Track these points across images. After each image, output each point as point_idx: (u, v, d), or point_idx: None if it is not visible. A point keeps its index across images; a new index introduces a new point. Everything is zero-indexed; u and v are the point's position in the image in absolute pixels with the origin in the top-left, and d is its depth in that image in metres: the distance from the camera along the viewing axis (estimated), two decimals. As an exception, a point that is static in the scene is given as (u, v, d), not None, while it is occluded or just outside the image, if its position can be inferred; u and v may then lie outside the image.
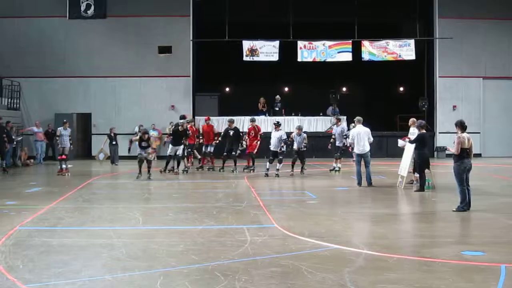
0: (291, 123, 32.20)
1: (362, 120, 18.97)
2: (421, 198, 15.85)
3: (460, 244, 9.82)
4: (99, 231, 10.98)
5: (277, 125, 22.83)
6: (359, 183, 18.24)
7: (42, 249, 9.36)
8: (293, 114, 32.99)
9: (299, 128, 22.78)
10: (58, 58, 32.67)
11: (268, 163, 22.01)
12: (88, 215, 12.62)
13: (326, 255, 8.98)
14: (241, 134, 24.16)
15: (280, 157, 22.04)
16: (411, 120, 19.32)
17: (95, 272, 8.00)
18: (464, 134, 13.29)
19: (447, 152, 31.47)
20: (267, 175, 21.57)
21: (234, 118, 33.19)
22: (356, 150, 18.54)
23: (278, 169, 21.79)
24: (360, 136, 18.43)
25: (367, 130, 18.59)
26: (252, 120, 24.93)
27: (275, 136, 22.41)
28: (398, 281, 7.48)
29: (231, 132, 23.75)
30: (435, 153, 33.14)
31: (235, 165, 23.43)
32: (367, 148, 18.41)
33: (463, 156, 13.21)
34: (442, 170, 23.74)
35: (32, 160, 28.85)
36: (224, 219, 12.21)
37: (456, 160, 13.29)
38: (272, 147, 22.38)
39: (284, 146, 22.28)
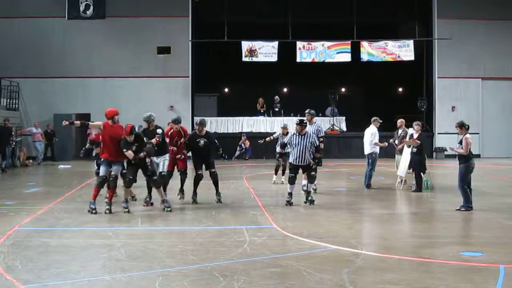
0: (290, 123, 32.23)
1: (374, 119, 18.72)
2: (420, 198, 15.86)
3: (459, 245, 9.83)
4: (98, 231, 10.97)
5: (303, 125, 14.69)
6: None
7: (41, 249, 9.36)
8: (292, 114, 33.02)
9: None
10: (57, 58, 32.65)
11: (289, 186, 14.42)
12: (87, 215, 12.62)
13: (325, 255, 8.99)
14: (216, 142, 15.13)
15: (313, 172, 14.68)
16: (401, 120, 19.35)
17: (94, 272, 8.00)
18: (469, 135, 13.43)
19: (446, 153, 31.51)
20: (290, 203, 14.33)
21: (232, 119, 33.36)
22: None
23: (309, 191, 14.84)
24: (365, 137, 18.38)
25: (369, 131, 18.38)
26: (176, 121, 15.29)
27: (301, 144, 14.33)
28: (397, 281, 7.48)
29: (202, 142, 14.63)
30: (434, 153, 33.14)
31: (217, 190, 15.09)
32: (367, 150, 18.21)
33: (470, 157, 13.34)
34: (441, 171, 23.76)
35: (31, 161, 28.84)
36: (223, 219, 12.22)
37: (464, 161, 13.40)
38: (294, 160, 14.43)
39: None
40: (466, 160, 13.40)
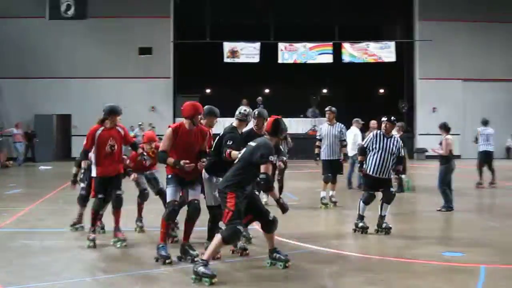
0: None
1: (355, 120, 18.69)
2: (401, 199, 15.90)
3: (441, 245, 9.88)
4: (80, 233, 10.90)
5: (393, 122, 11.16)
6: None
7: (22, 251, 9.31)
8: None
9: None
10: (39, 58, 32.45)
11: (363, 206, 11.07)
12: (68, 216, 12.51)
13: (306, 256, 8.99)
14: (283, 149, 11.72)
15: (392, 189, 11.24)
16: (373, 122, 19.38)
17: (76, 274, 7.98)
18: (450, 136, 13.53)
19: (426, 154, 31.63)
20: (364, 230, 10.94)
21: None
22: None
23: (384, 215, 11.02)
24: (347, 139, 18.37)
25: (351, 132, 18.30)
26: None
27: (385, 149, 10.85)
28: (379, 281, 7.52)
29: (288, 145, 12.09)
30: (415, 154, 33.26)
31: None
32: (351, 151, 17.98)
33: (450, 158, 13.44)
34: (422, 172, 23.85)
35: (11, 162, 28.68)
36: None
37: (444, 162, 13.51)
38: (375, 170, 10.89)
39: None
40: (447, 161, 13.50)
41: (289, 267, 8.09)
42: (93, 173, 10.03)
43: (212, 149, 9.01)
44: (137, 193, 11.07)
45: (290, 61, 33.55)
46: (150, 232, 10.71)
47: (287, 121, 24.27)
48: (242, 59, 33.25)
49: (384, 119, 11.09)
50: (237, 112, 9.31)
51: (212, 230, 8.79)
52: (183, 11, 34.29)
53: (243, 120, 9.30)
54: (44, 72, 32.38)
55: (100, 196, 9.75)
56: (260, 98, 33.58)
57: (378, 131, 11.06)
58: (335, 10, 33.31)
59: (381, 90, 40.20)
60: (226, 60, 33.18)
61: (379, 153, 10.78)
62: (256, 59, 33.23)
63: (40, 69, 32.40)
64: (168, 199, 8.58)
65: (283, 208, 8.02)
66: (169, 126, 8.71)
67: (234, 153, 8.56)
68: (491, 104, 34.11)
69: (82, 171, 10.88)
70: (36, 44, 32.62)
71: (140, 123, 25.54)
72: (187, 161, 8.31)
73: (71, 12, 32.77)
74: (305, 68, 34.13)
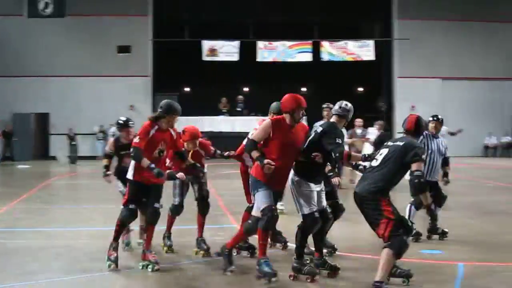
0: (253, 123, 32.19)
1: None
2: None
3: (420, 243, 9.89)
4: (58, 232, 10.85)
5: (440, 121, 10.56)
6: None
7: (-1, 250, 9.24)
8: (252, 114, 32.93)
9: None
10: (17, 57, 32.20)
11: (414, 211, 10.45)
12: (46, 216, 12.48)
13: (286, 255, 8.97)
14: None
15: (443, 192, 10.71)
16: (358, 120, 19.48)
17: (54, 273, 7.89)
18: None
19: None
20: (418, 236, 10.11)
21: (193, 118, 33.14)
22: None
23: (437, 219, 10.43)
24: None
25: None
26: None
27: (435, 150, 10.29)
28: (355, 279, 7.53)
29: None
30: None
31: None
32: None
33: None
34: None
35: (-12, 161, 28.51)
36: (188, 219, 12.08)
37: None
38: (425, 174, 9.22)
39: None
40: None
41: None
42: (129, 175, 8.14)
43: (304, 149, 7.74)
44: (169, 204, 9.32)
45: (270, 59, 33.56)
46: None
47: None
48: (221, 57, 33.21)
49: (431, 118, 10.46)
50: (336, 107, 8.19)
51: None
52: (162, 9, 34.20)
53: (343, 116, 8.09)
54: (23, 71, 32.13)
55: (131, 206, 8.06)
56: (241, 97, 33.64)
57: (426, 132, 10.14)
58: (314, 9, 33.38)
59: (360, 89, 40.28)
60: (205, 58, 33.13)
61: (430, 155, 10.10)
62: (235, 57, 33.21)
63: (19, 67, 32.15)
64: (263, 205, 7.39)
65: (433, 216, 7.75)
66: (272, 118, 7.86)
67: (357, 155, 7.96)
68: (469, 102, 34.40)
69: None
70: (15, 42, 32.36)
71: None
72: (272, 162, 7.15)
73: (49, 10, 32.52)
74: (286, 66, 34.15)
